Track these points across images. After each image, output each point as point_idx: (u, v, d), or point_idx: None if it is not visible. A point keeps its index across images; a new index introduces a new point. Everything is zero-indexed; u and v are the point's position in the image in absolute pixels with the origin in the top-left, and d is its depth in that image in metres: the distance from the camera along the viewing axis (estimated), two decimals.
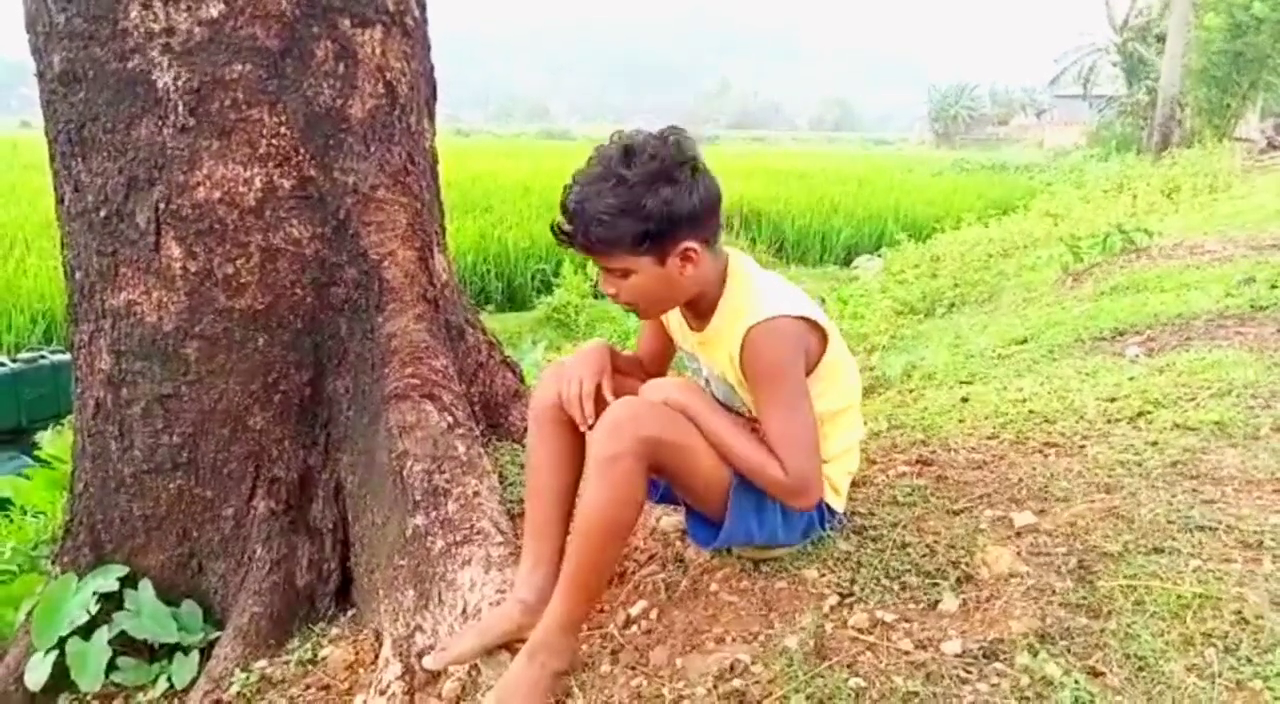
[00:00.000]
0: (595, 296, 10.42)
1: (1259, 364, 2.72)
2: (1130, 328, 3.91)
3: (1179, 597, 1.37)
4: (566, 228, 1.55)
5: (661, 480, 1.69)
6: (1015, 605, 1.45)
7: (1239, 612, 1.31)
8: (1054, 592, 1.47)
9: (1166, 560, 1.49)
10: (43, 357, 4.26)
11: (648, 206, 1.50)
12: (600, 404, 1.65)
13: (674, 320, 1.85)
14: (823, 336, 1.67)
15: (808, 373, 1.65)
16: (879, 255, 12.05)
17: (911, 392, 3.30)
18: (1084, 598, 1.43)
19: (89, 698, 2.20)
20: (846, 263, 13.10)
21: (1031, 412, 2.50)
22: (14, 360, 4.22)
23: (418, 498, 2.03)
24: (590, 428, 1.63)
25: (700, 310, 1.72)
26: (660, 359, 1.99)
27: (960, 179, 23.04)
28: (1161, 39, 23.61)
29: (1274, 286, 4.33)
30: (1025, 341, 4.13)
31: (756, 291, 1.65)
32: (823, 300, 8.15)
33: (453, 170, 16.15)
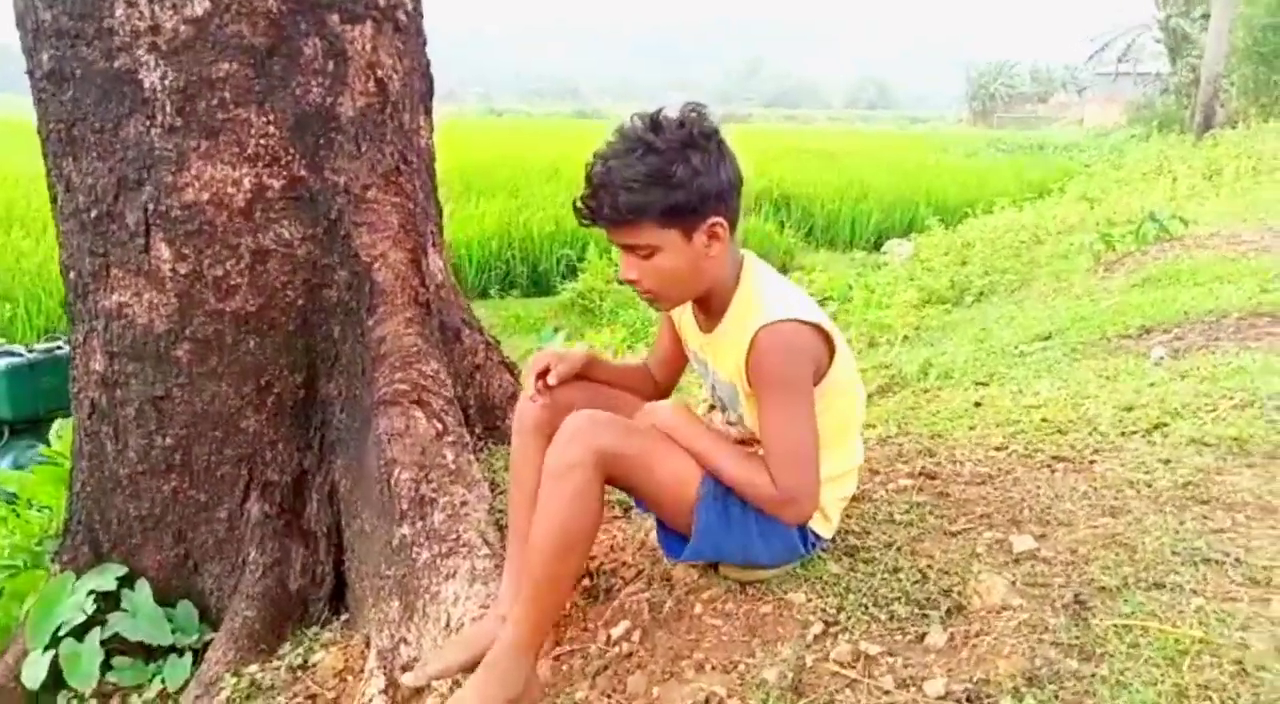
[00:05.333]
0: (620, 282, 10.37)
1: None
2: (1158, 325, 3.79)
3: (1176, 641, 1.30)
4: (592, 201, 1.50)
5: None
6: (1005, 642, 1.39)
7: (1239, 661, 1.23)
8: (1046, 629, 1.40)
9: (1167, 597, 1.41)
10: (60, 346, 4.28)
11: (678, 174, 1.46)
12: (559, 408, 1.64)
13: (684, 319, 1.80)
14: (831, 349, 1.61)
15: (815, 384, 1.58)
16: (909, 240, 11.87)
17: (926, 392, 3.22)
18: (1077, 638, 1.36)
19: (87, 695, 2.21)
20: (877, 247, 12.92)
21: (1044, 420, 2.42)
22: (30, 350, 4.24)
23: (404, 507, 2.00)
24: (532, 399, 1.68)
25: (712, 308, 1.66)
26: (672, 365, 1.94)
27: (996, 159, 22.65)
28: (1206, 15, 22.92)
29: None
30: (1049, 337, 4.02)
31: (769, 294, 1.60)
32: (849, 287, 8.05)
33: (484, 151, 16.17)
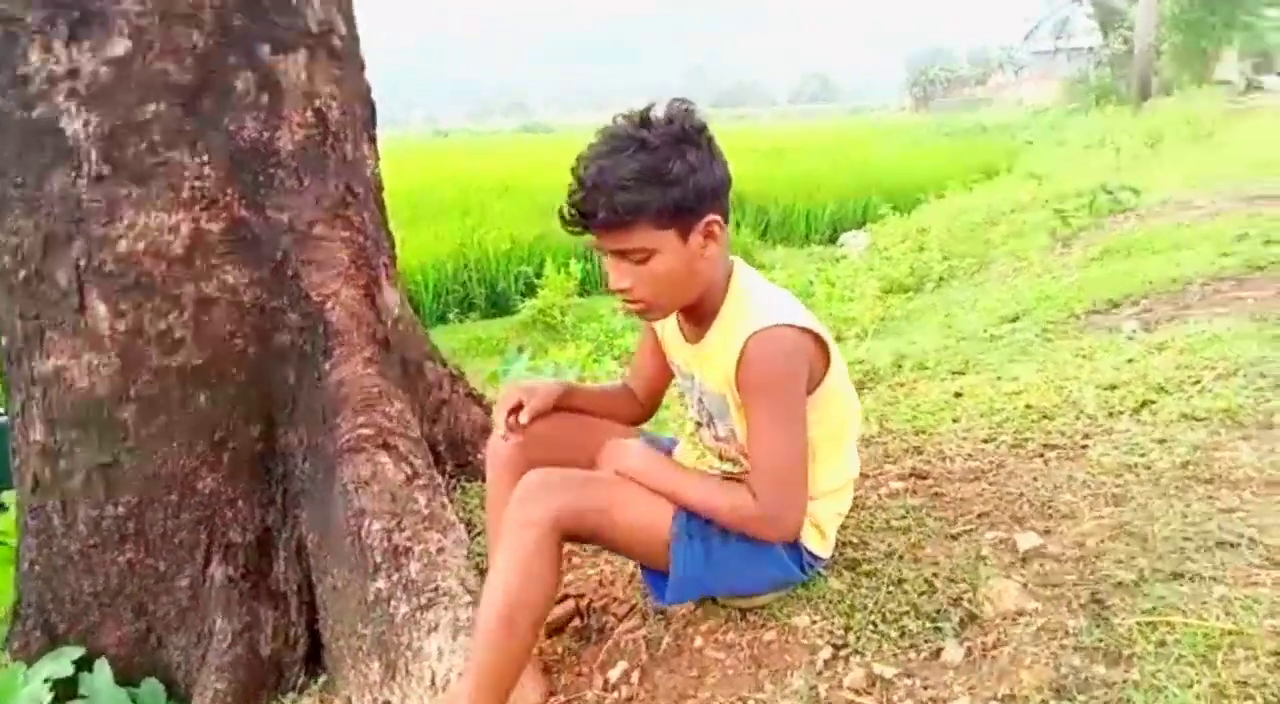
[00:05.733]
0: (580, 295, 10.27)
1: (1262, 336, 2.58)
2: (1124, 298, 3.78)
3: (1206, 635, 1.23)
4: (585, 204, 1.40)
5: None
6: (1026, 651, 1.32)
7: (1276, 652, 1.17)
8: (1067, 633, 1.33)
9: (1188, 588, 1.35)
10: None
11: (674, 171, 1.37)
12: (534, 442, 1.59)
13: (668, 331, 1.71)
14: (826, 358, 1.53)
15: (808, 393, 1.50)
16: (865, 231, 11.91)
17: (902, 386, 3.16)
18: (1100, 640, 1.29)
19: None
20: (833, 240, 12.95)
21: (1028, 407, 2.37)
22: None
23: (378, 559, 1.89)
24: (504, 437, 1.62)
25: (700, 316, 1.57)
26: (655, 383, 1.85)
27: (942, 144, 22.85)
28: None
29: (1268, 242, 4.21)
30: (1017, 319, 3.99)
31: (759, 300, 1.52)
32: (810, 283, 8.02)
33: (432, 174, 16.01)
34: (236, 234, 2.09)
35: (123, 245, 2.00)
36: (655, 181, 1.37)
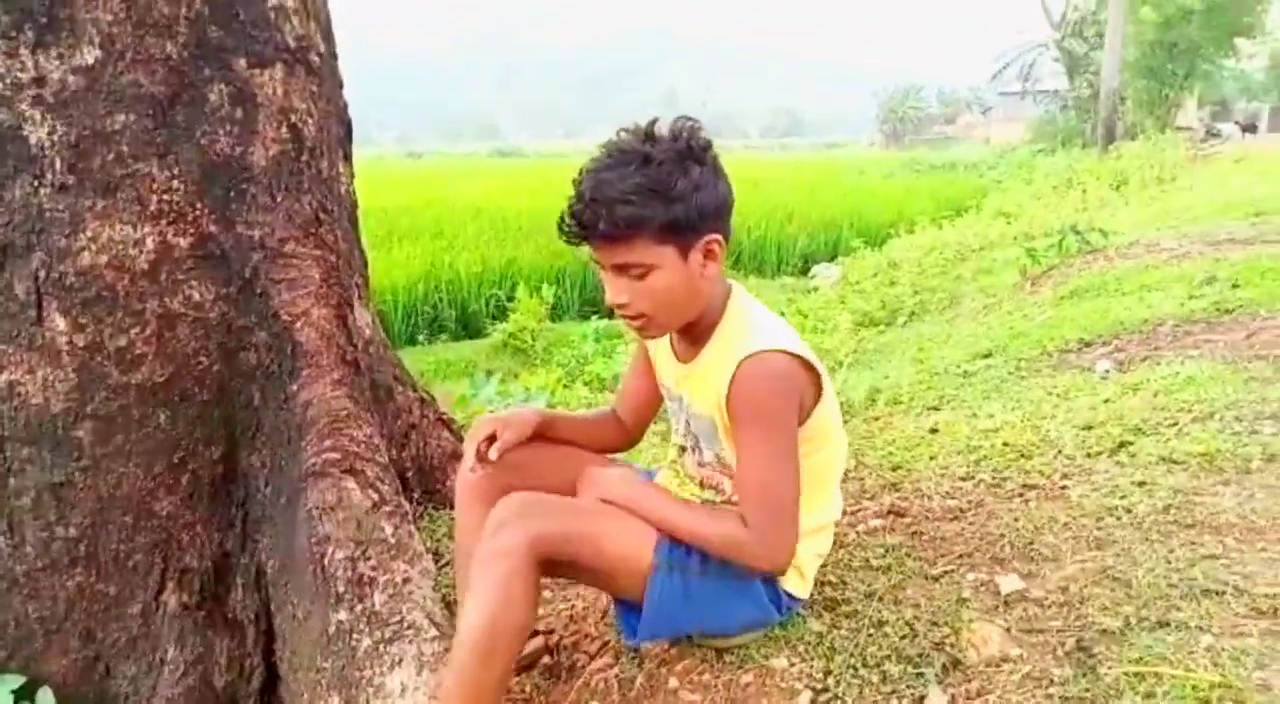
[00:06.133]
0: (552, 319, 10.22)
1: (1235, 379, 2.60)
2: (1096, 338, 3.81)
3: (1195, 687, 1.21)
4: (585, 215, 1.37)
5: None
6: (1011, 700, 1.28)
7: None
8: (1053, 681, 1.30)
9: (1174, 638, 1.33)
10: None
11: (678, 186, 1.35)
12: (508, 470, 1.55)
13: (659, 350, 1.67)
14: (817, 390, 1.50)
15: (799, 424, 1.47)
16: (836, 263, 12.00)
17: (877, 420, 3.14)
18: (1087, 690, 1.26)
19: None
20: (804, 272, 13.03)
21: (1005, 445, 2.35)
22: None
23: (340, 589, 1.82)
24: (472, 469, 1.57)
25: (695, 335, 1.54)
26: (643, 408, 1.81)
27: (912, 180, 23.20)
28: (1099, 34, 24.00)
29: (1236, 286, 4.26)
30: (990, 355, 4.00)
31: (755, 324, 1.49)
32: (782, 313, 8.04)
33: (404, 195, 15.98)
34: (205, 249, 2.02)
35: (85, 258, 1.93)
36: (657, 196, 1.35)
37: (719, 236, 1.42)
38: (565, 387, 6.79)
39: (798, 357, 1.43)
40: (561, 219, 1.40)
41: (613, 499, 1.48)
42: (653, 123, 1.41)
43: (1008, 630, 1.44)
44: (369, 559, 1.86)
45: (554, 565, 1.41)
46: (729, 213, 1.45)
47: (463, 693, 1.33)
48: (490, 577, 1.33)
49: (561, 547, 1.39)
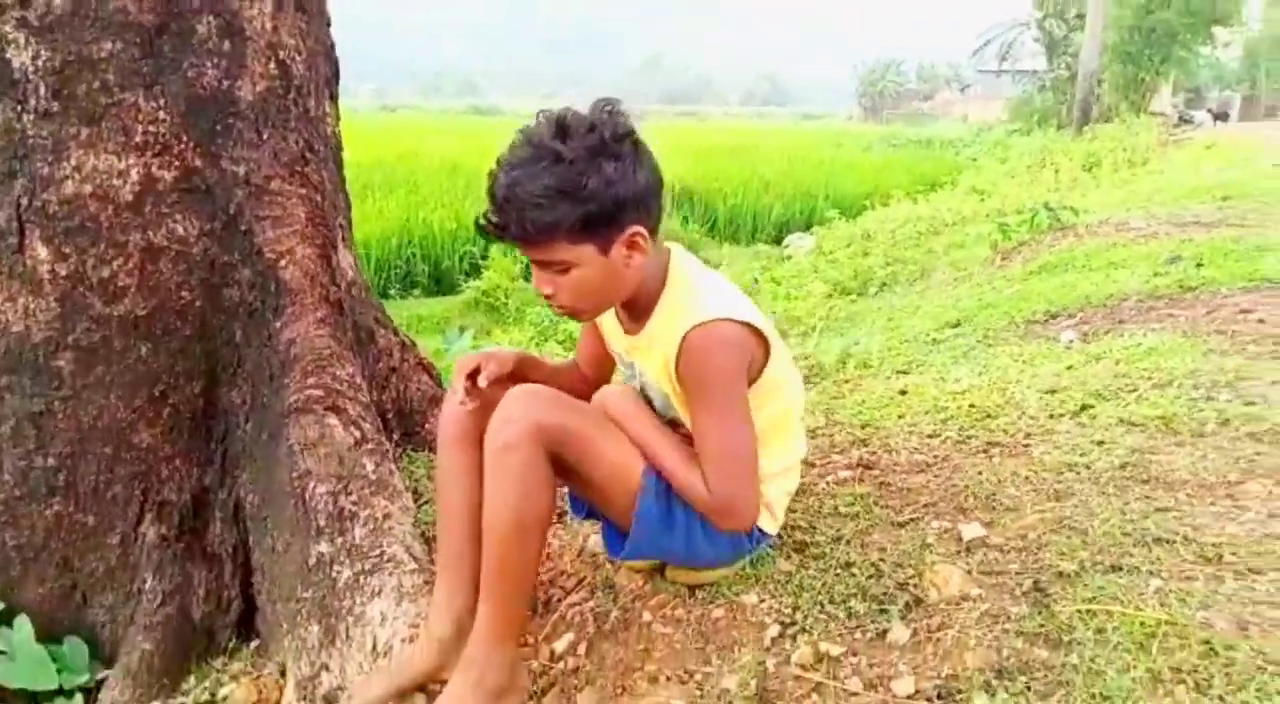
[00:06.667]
0: (526, 278, 10.20)
1: (1195, 351, 2.68)
2: (1062, 310, 3.89)
3: (1142, 624, 1.28)
4: (496, 218, 1.36)
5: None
6: (970, 635, 1.35)
7: (1207, 642, 1.22)
8: (1009, 618, 1.37)
9: (1125, 580, 1.40)
10: None
11: (590, 186, 1.33)
12: (485, 405, 1.52)
13: (607, 322, 1.69)
14: (766, 347, 1.53)
15: (749, 385, 1.51)
16: (811, 233, 12.06)
17: (848, 382, 3.21)
18: (1042, 625, 1.33)
19: None
20: (778, 241, 13.09)
21: (972, 406, 2.42)
22: None
23: (321, 522, 1.85)
24: (461, 402, 1.55)
25: (637, 310, 1.56)
26: (602, 364, 1.84)
27: (890, 155, 23.27)
28: (1080, 16, 24.09)
29: (1199, 265, 4.36)
30: (959, 324, 4.08)
31: (698, 292, 1.50)
32: (755, 281, 8.09)
33: (379, 148, 15.76)
34: (189, 183, 2.02)
35: (69, 187, 1.92)
36: (568, 198, 1.33)
37: (641, 228, 1.41)
38: (537, 345, 6.81)
39: (742, 322, 1.46)
40: (478, 218, 1.40)
41: (608, 411, 1.53)
42: (566, 113, 1.38)
43: (969, 572, 1.51)
44: (350, 494, 1.90)
45: (560, 469, 1.44)
46: (654, 198, 1.43)
47: (506, 570, 1.40)
48: (506, 473, 1.38)
49: (563, 440, 1.42)
